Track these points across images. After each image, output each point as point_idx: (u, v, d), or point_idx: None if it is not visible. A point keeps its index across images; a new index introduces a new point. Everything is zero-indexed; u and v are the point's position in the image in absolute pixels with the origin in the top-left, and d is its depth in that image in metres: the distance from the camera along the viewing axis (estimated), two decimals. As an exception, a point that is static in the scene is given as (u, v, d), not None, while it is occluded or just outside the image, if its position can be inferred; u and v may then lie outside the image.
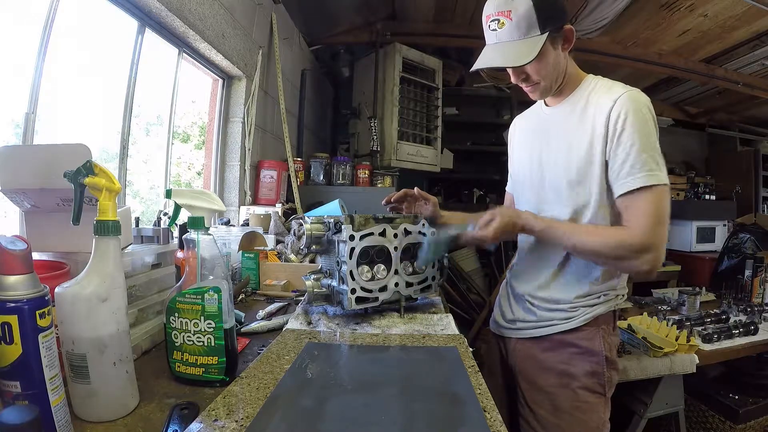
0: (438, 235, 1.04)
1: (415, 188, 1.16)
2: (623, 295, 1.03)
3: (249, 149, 2.22)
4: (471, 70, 1.01)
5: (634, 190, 0.88)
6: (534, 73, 0.96)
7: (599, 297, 0.99)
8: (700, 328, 1.80)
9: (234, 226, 1.83)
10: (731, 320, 1.95)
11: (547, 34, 0.89)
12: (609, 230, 0.93)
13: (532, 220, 0.97)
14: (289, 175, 2.44)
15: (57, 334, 0.54)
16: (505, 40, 0.92)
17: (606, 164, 0.92)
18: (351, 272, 0.95)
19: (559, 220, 1.00)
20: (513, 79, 1.01)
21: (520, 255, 1.15)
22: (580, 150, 0.95)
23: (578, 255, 0.98)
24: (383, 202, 1.19)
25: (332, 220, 0.99)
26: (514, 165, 1.19)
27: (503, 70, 1.01)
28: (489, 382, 1.06)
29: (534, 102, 1.14)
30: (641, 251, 0.88)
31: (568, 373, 0.99)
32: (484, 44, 0.98)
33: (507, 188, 1.25)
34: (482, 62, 0.95)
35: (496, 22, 0.92)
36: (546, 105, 1.08)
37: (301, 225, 1.44)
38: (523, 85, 1.01)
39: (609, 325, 1.01)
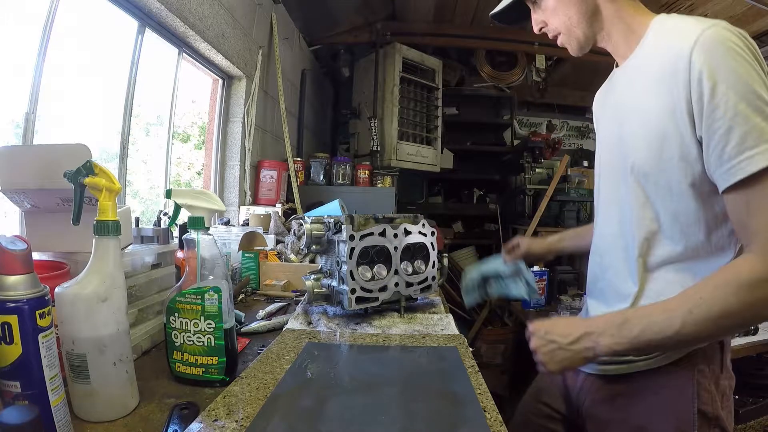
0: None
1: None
2: None
3: (249, 149, 2.22)
4: (491, 14, 0.89)
5: (755, 176, 0.57)
6: (542, 17, 0.80)
7: None
8: (700, 328, 1.80)
9: (234, 226, 1.83)
10: (731, 320, 1.95)
11: None
12: (718, 275, 0.61)
13: (608, 341, 0.64)
14: (289, 175, 2.44)
15: (57, 334, 0.54)
16: None
17: (699, 143, 0.63)
18: (351, 272, 0.95)
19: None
20: (535, 29, 0.84)
21: (593, 260, 0.87)
22: (650, 125, 0.68)
23: (703, 340, 0.67)
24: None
25: (332, 220, 0.99)
26: (597, 147, 0.92)
27: (521, 21, 0.88)
28: (539, 421, 0.91)
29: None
30: None
31: (643, 431, 0.73)
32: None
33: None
34: (499, 6, 0.86)
35: None
36: (617, 67, 0.82)
37: (301, 225, 1.44)
38: (551, 37, 0.83)
39: (712, 364, 0.71)
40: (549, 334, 0.70)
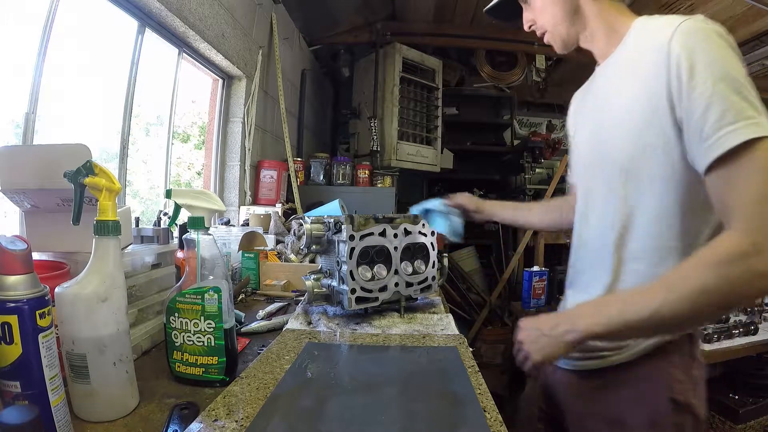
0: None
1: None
2: None
3: (249, 149, 2.22)
4: (485, 9, 0.94)
5: (730, 151, 0.57)
6: (532, 15, 0.85)
7: None
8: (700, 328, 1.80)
9: (234, 226, 1.83)
10: (731, 320, 1.95)
11: None
12: (698, 254, 0.60)
13: (587, 321, 0.65)
14: (289, 175, 2.44)
15: (57, 334, 0.54)
16: None
17: (678, 128, 0.64)
18: (351, 272, 0.95)
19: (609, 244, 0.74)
20: (525, 26, 0.88)
21: (574, 255, 0.89)
22: (630, 117, 0.70)
23: (682, 323, 0.65)
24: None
25: (332, 220, 0.99)
26: (571, 148, 0.96)
27: (513, 20, 0.92)
28: (523, 413, 0.95)
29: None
30: (755, 253, 0.55)
31: (620, 423, 0.74)
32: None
33: (569, 179, 1.03)
34: (493, 1, 0.91)
35: None
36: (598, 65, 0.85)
37: (301, 225, 1.44)
38: (539, 35, 0.87)
39: (683, 355, 0.73)
40: (534, 325, 0.73)
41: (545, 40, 0.85)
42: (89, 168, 0.61)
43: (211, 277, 0.69)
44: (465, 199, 1.19)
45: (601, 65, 0.82)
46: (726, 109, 0.58)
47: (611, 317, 0.63)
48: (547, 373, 0.91)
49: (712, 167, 0.60)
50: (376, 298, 0.98)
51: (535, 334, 0.71)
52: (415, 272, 1.05)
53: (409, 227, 1.04)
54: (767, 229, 0.55)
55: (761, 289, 0.58)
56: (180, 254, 1.01)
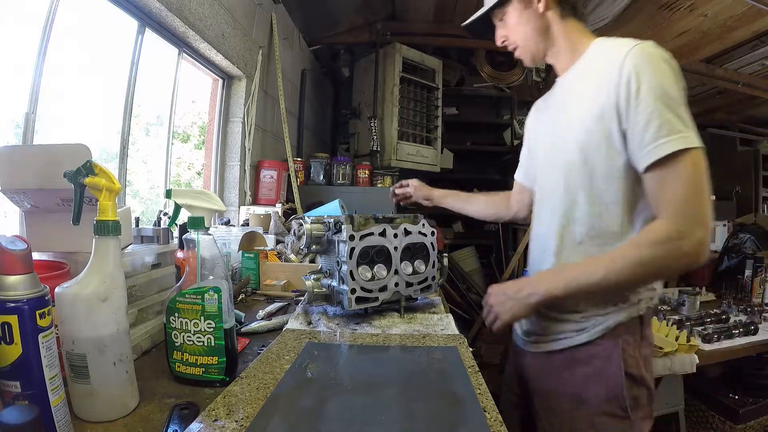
0: None
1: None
2: (652, 298, 0.85)
3: (249, 149, 2.22)
4: (463, 25, 1.04)
5: (663, 158, 0.71)
6: (505, 32, 0.95)
7: (616, 303, 0.83)
8: (700, 328, 1.80)
9: (234, 226, 1.83)
10: (731, 320, 1.95)
11: None
12: (640, 234, 0.77)
13: (547, 285, 0.80)
14: (289, 175, 2.44)
15: (57, 334, 0.54)
16: None
17: (623, 135, 0.76)
18: (351, 272, 0.95)
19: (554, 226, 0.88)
20: (497, 42, 0.98)
21: (531, 244, 1.02)
22: (584, 121, 0.81)
23: (624, 287, 0.81)
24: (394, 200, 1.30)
25: (332, 220, 0.99)
26: (526, 152, 1.11)
27: (487, 35, 1.02)
28: (502, 402, 1.01)
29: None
30: (678, 237, 0.70)
31: (581, 399, 0.84)
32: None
33: (515, 176, 1.18)
34: (470, 19, 1.00)
35: None
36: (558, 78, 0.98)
37: (301, 225, 1.45)
38: (510, 50, 0.97)
39: (634, 335, 0.83)
40: (501, 290, 0.86)
41: (516, 55, 0.96)
42: (89, 168, 0.61)
43: (211, 277, 0.69)
44: (415, 186, 1.36)
45: (560, 78, 0.95)
46: (662, 123, 0.71)
47: (568, 281, 0.78)
48: (519, 358, 1.02)
49: (649, 169, 0.74)
50: (376, 298, 0.98)
51: (503, 298, 0.84)
52: (415, 272, 1.05)
53: (409, 227, 1.04)
54: (689, 219, 0.71)
55: (686, 264, 0.73)
56: (180, 254, 1.01)
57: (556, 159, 0.89)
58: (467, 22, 1.02)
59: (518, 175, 1.16)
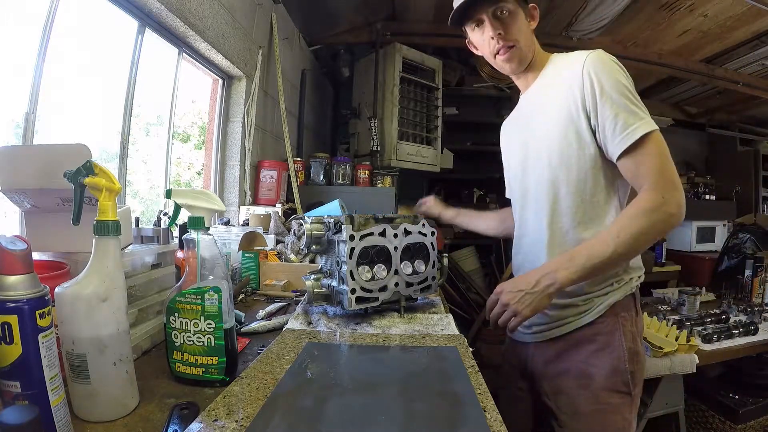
0: None
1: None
2: (640, 276, 0.95)
3: (249, 149, 2.22)
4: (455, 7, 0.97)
5: (636, 142, 0.82)
6: (502, 27, 0.93)
7: (612, 284, 0.92)
8: (700, 328, 1.81)
9: (234, 226, 1.83)
10: (731, 320, 1.95)
11: None
12: (631, 207, 0.84)
13: (564, 273, 0.84)
14: (289, 175, 2.44)
15: (57, 334, 0.54)
16: None
17: (593, 130, 0.88)
18: (351, 272, 0.95)
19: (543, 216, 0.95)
20: (490, 32, 0.95)
21: (516, 250, 1.08)
22: (556, 123, 0.92)
23: (631, 256, 0.89)
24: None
25: (332, 220, 0.99)
26: (508, 167, 1.14)
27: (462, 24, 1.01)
28: (502, 400, 1.03)
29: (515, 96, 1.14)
30: (664, 203, 0.81)
31: (586, 374, 0.91)
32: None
33: (507, 195, 1.19)
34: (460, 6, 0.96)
35: None
36: (522, 95, 1.08)
37: (301, 225, 1.44)
38: (501, 46, 0.95)
39: (630, 311, 0.93)
40: (515, 287, 0.87)
41: (507, 54, 0.96)
42: (89, 168, 0.61)
43: (211, 277, 0.69)
44: (430, 206, 1.47)
45: (524, 94, 1.06)
46: (628, 114, 0.83)
47: (583, 263, 0.83)
48: (520, 351, 1.07)
49: (623, 154, 0.85)
50: (376, 298, 0.98)
51: (519, 294, 0.86)
52: (415, 272, 1.05)
53: (409, 227, 1.04)
54: (669, 186, 0.82)
55: (672, 225, 0.83)
56: (180, 254, 1.01)
57: (533, 164, 0.98)
58: (459, 3, 0.95)
59: (509, 194, 1.18)
